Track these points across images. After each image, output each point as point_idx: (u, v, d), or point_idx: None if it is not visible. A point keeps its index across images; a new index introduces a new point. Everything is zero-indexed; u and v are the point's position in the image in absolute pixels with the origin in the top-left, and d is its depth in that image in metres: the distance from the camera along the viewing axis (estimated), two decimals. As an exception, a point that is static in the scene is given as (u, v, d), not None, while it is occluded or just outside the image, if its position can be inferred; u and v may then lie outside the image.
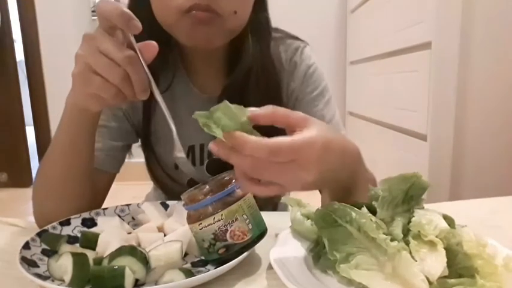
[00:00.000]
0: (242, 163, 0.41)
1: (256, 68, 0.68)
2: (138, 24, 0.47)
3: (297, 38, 0.79)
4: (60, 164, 0.60)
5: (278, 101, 0.73)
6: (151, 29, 0.63)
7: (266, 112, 0.43)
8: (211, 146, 0.42)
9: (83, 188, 0.62)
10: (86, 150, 0.60)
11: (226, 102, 0.40)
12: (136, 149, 0.78)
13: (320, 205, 0.51)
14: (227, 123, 0.40)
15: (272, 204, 0.87)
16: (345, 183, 0.51)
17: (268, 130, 0.42)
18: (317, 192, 0.73)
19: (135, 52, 0.47)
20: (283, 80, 0.74)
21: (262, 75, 0.69)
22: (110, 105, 0.51)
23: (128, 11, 0.46)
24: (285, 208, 0.90)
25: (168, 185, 0.76)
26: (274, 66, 0.72)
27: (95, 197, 0.67)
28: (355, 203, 0.47)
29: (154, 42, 0.48)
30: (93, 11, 3.02)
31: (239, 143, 0.40)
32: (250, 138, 0.40)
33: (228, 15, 0.60)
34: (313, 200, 0.58)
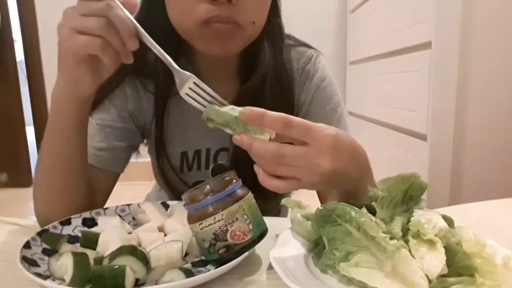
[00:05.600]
0: (266, 149, 0.43)
1: (271, 74, 0.68)
2: None
3: (309, 46, 0.78)
4: (52, 159, 0.59)
5: (290, 108, 0.72)
6: (163, 33, 0.63)
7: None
8: (235, 137, 0.44)
9: (77, 182, 0.61)
10: (76, 143, 0.59)
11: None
12: (141, 148, 0.78)
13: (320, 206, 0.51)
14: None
15: (275, 210, 0.87)
16: (352, 186, 0.51)
17: None
18: (317, 194, 0.73)
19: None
20: (293, 90, 0.73)
21: (276, 81, 0.69)
22: (101, 76, 0.52)
23: None
24: (287, 214, 0.90)
25: (177, 187, 0.76)
26: (287, 73, 0.72)
27: (97, 197, 0.67)
28: (355, 203, 0.47)
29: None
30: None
31: (258, 116, 0.42)
32: (268, 111, 0.43)
33: (247, 26, 0.60)
34: (313, 201, 0.58)
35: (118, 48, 0.48)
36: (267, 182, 0.46)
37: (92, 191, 0.65)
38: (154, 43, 0.49)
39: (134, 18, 0.69)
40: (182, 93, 0.49)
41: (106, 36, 0.47)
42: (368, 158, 0.54)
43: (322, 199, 0.75)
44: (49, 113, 0.57)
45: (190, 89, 0.49)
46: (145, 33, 0.49)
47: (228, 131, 0.46)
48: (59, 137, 0.58)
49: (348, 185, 0.51)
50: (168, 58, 0.50)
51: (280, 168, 0.44)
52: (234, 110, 0.46)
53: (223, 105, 0.48)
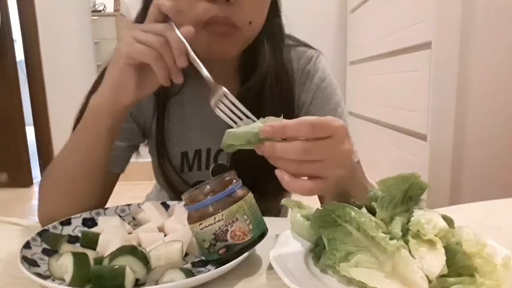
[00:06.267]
0: (291, 148, 0.42)
1: (271, 75, 0.68)
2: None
3: (309, 46, 0.77)
4: (77, 165, 0.60)
5: (291, 108, 0.72)
6: None
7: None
8: (257, 148, 0.43)
9: (95, 188, 0.62)
10: (103, 152, 0.60)
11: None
12: (141, 148, 0.78)
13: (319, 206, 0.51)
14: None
15: (276, 211, 0.87)
16: (347, 185, 0.52)
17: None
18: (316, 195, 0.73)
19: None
20: (294, 90, 0.73)
21: (276, 81, 0.68)
22: (146, 89, 0.55)
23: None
24: (287, 215, 0.90)
25: (178, 187, 0.75)
26: (287, 73, 0.72)
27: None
28: (355, 203, 0.47)
29: (190, 27, 0.52)
30: (93, 11, 3.03)
31: (278, 130, 0.42)
32: (287, 121, 0.43)
33: (244, 26, 0.59)
34: (312, 202, 0.58)
35: (169, 63, 0.51)
36: (295, 184, 0.43)
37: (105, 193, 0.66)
38: (201, 64, 0.52)
39: (134, 18, 0.69)
40: (213, 105, 0.51)
41: (160, 50, 0.50)
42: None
43: (322, 200, 0.75)
44: (82, 118, 0.58)
45: (220, 101, 0.50)
46: (194, 55, 0.52)
47: (249, 147, 0.45)
48: (88, 144, 0.59)
49: (344, 186, 0.51)
50: (206, 73, 0.52)
51: (305, 166, 0.43)
52: (250, 126, 0.45)
53: (247, 117, 0.49)
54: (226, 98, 0.50)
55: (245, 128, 0.45)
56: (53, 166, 0.63)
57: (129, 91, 0.54)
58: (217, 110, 0.50)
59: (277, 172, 0.44)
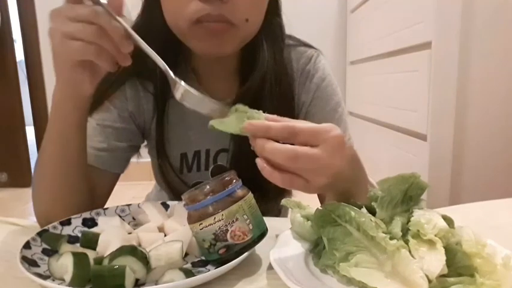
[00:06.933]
0: (279, 152, 0.42)
1: (270, 75, 0.67)
2: None
3: (310, 46, 0.77)
4: (52, 160, 0.59)
5: (291, 108, 0.72)
6: (162, 34, 0.63)
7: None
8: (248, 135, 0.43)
9: (78, 183, 0.61)
10: (76, 144, 0.59)
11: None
12: (142, 150, 0.78)
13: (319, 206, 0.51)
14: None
15: (276, 211, 0.87)
16: (349, 187, 0.51)
17: None
18: (317, 194, 0.73)
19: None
20: (293, 90, 0.73)
21: (276, 82, 0.68)
22: (99, 76, 0.52)
23: None
24: (287, 215, 0.90)
25: (177, 188, 0.75)
26: (287, 73, 0.71)
27: (97, 197, 0.67)
28: (355, 203, 0.47)
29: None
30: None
31: (263, 129, 0.42)
32: (272, 123, 0.43)
33: (240, 24, 0.59)
34: (312, 202, 0.58)
35: (113, 52, 0.49)
36: (275, 175, 0.43)
37: (93, 192, 0.65)
38: (147, 45, 0.49)
39: (135, 20, 0.69)
40: (179, 99, 0.49)
41: (98, 42, 0.47)
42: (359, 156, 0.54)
43: (322, 200, 0.74)
44: (49, 115, 0.57)
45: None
46: (136, 35, 0.49)
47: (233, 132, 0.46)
48: (59, 139, 0.58)
49: (345, 186, 0.51)
50: (160, 60, 0.49)
51: (290, 168, 0.43)
52: (239, 117, 0.45)
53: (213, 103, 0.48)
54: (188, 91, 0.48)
55: (232, 120, 0.46)
56: (35, 168, 0.62)
57: (84, 85, 0.53)
58: (186, 103, 0.49)
59: (258, 161, 0.43)
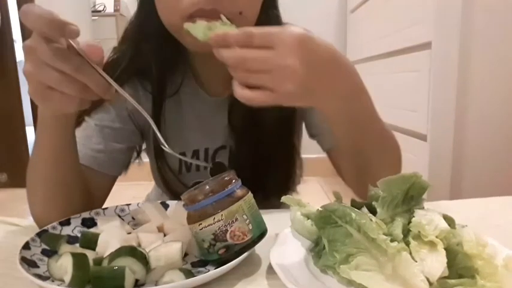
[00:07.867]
0: (228, 54, 0.44)
1: None
2: (74, 28, 0.44)
3: None
4: (41, 168, 0.58)
5: (291, 107, 0.72)
6: (159, 33, 0.63)
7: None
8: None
9: (69, 190, 0.60)
10: (67, 151, 0.57)
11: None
12: (142, 153, 0.78)
13: (320, 205, 0.51)
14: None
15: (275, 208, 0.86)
16: (344, 106, 0.51)
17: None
18: (317, 192, 0.73)
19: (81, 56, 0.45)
20: None
21: None
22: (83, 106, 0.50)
23: (57, 16, 0.43)
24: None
25: (176, 189, 0.75)
26: None
27: (94, 199, 0.66)
28: (355, 203, 0.47)
29: (97, 44, 0.46)
30: (93, 11, 3.03)
31: (222, 38, 0.44)
32: (231, 31, 0.45)
33: (234, 17, 0.58)
34: (313, 200, 0.58)
35: (96, 97, 0.47)
36: (242, 92, 0.44)
37: (89, 194, 0.64)
38: (130, 97, 0.49)
39: (133, 19, 0.69)
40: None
41: (82, 97, 0.46)
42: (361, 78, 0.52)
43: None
44: (37, 124, 0.55)
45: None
46: (116, 84, 0.47)
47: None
48: (47, 150, 0.56)
49: (337, 103, 0.49)
50: (148, 118, 0.51)
51: (251, 76, 0.43)
52: (207, 27, 0.50)
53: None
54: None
55: (202, 26, 0.50)
56: (28, 171, 0.60)
57: (70, 110, 0.49)
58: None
59: (233, 82, 0.45)
